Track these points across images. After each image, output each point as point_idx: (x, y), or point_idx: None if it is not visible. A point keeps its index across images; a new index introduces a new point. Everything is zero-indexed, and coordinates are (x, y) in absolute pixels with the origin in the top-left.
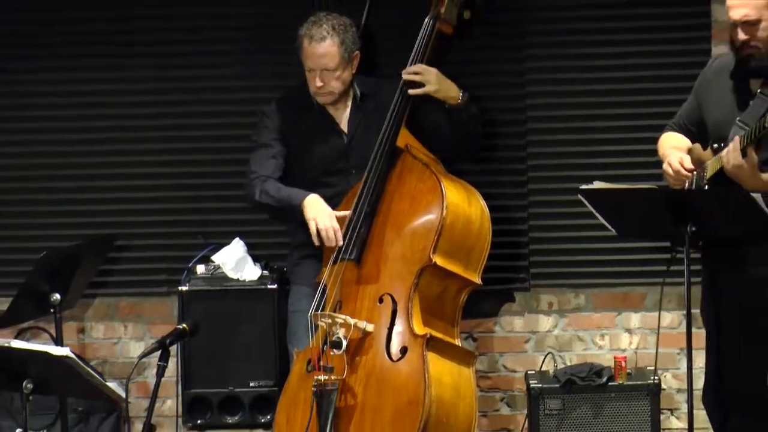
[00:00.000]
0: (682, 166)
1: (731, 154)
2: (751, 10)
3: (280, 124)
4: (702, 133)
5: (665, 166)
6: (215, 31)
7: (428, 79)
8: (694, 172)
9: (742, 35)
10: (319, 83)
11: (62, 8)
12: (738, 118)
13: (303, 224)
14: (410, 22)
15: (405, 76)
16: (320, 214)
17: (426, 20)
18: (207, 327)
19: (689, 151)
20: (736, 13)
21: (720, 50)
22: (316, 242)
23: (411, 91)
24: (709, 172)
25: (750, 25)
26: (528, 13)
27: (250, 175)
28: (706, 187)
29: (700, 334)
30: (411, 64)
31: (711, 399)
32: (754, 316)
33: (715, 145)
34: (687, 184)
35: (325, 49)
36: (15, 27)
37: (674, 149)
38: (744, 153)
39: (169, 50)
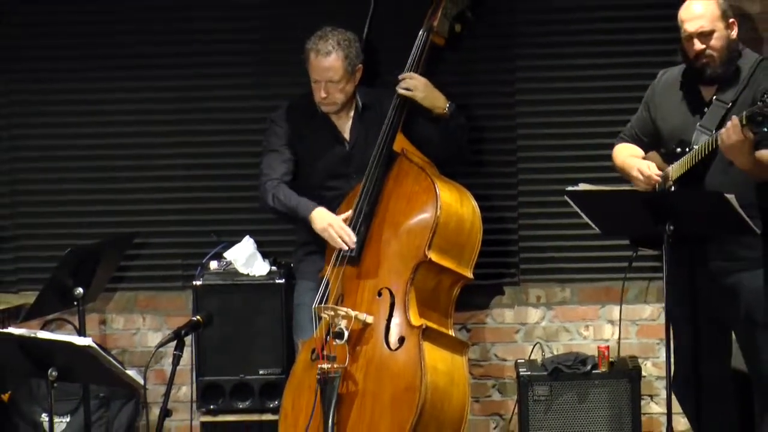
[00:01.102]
0: (652, 171)
1: (731, 131)
2: (705, 22)
3: (287, 130)
4: (654, 143)
5: (635, 173)
6: (230, 44)
7: (416, 85)
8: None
9: (698, 45)
10: (323, 94)
11: (92, 20)
12: (699, 123)
13: (308, 226)
14: (408, 36)
15: (399, 86)
16: (332, 223)
17: (420, 33)
18: (219, 319)
19: (647, 160)
20: (692, 26)
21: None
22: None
23: (400, 91)
24: (675, 173)
25: (704, 36)
26: (517, 26)
27: (262, 178)
28: (672, 188)
29: None
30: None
31: (680, 385)
32: (715, 307)
33: (678, 149)
34: (656, 187)
35: (330, 63)
36: (47, 35)
37: (635, 158)
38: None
39: (188, 61)
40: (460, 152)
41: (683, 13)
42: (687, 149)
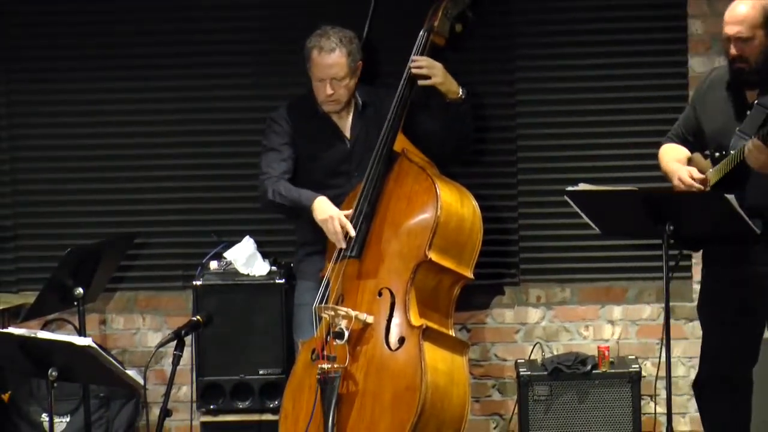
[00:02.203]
0: (693, 179)
1: (755, 152)
2: (744, 29)
3: (288, 129)
4: (700, 142)
5: (676, 181)
6: (229, 44)
7: (434, 72)
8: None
9: (733, 50)
10: (329, 91)
11: (92, 21)
12: (738, 128)
13: (309, 224)
14: (408, 36)
15: (413, 69)
16: (333, 215)
17: (421, 33)
18: (219, 319)
19: (689, 161)
20: (731, 29)
21: (695, 62)
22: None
23: (421, 82)
24: (713, 178)
25: (742, 41)
26: (517, 26)
27: (262, 176)
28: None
29: (677, 326)
30: (406, 75)
31: (703, 387)
32: (748, 311)
33: (717, 154)
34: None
35: (334, 60)
36: (47, 35)
37: (677, 163)
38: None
39: (188, 62)
40: (466, 141)
41: (727, 13)
42: (724, 153)
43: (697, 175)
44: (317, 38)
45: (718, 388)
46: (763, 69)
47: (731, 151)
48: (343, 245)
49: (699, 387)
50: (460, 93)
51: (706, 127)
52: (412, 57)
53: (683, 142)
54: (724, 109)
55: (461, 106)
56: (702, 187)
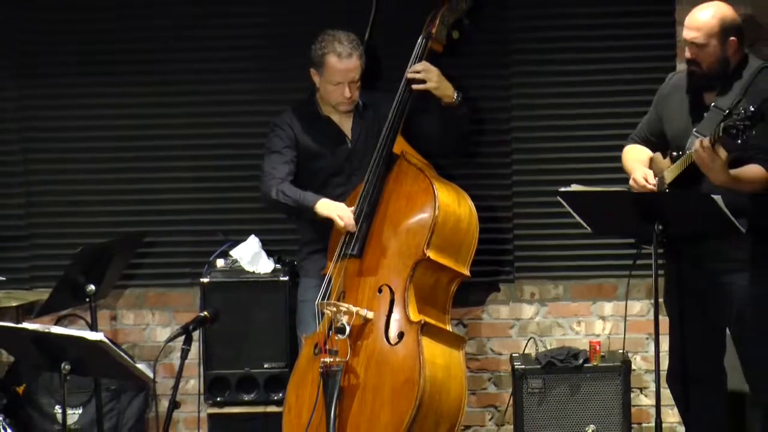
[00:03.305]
0: (646, 181)
1: (701, 151)
2: (700, 35)
3: (291, 132)
4: (662, 143)
5: (631, 181)
6: (234, 51)
7: (430, 77)
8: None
9: (688, 53)
10: (348, 93)
11: (104, 29)
12: (695, 129)
13: (311, 223)
14: (407, 42)
15: (409, 74)
16: (336, 209)
17: (419, 39)
18: (226, 314)
19: (651, 161)
20: (687, 34)
21: (683, 67)
22: (342, 229)
23: (414, 87)
24: (669, 178)
25: (697, 46)
26: (512, 33)
27: (264, 177)
28: (667, 190)
29: (666, 321)
30: (404, 80)
31: (674, 380)
32: (710, 307)
33: (674, 154)
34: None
35: (353, 64)
36: (60, 43)
37: (638, 163)
38: (714, 150)
39: (195, 69)
40: (461, 142)
41: (688, 17)
42: (681, 153)
43: (651, 179)
44: (330, 44)
45: (688, 379)
46: (714, 75)
47: (687, 151)
48: (354, 228)
49: (675, 380)
50: (455, 97)
51: (667, 128)
52: (411, 63)
53: (646, 142)
54: (684, 111)
55: (457, 110)
56: (653, 187)
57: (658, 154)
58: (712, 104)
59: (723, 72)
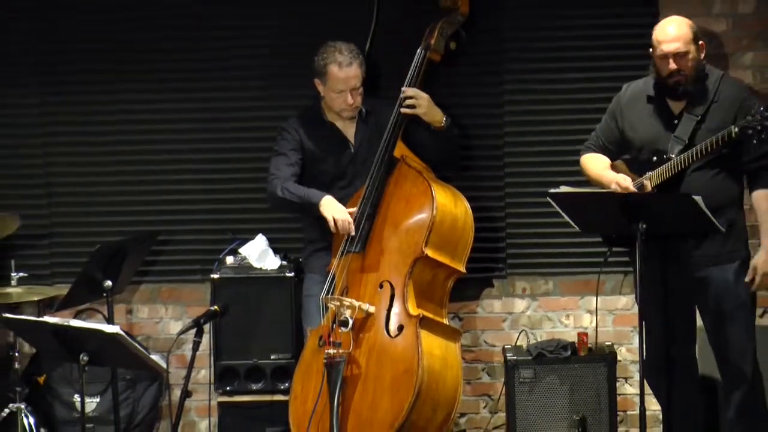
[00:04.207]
0: (630, 187)
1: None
2: (681, 44)
3: (296, 136)
4: (620, 151)
5: (614, 186)
6: (243, 59)
7: (420, 103)
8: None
9: (673, 65)
10: (350, 100)
11: (121, 38)
12: (674, 134)
13: (316, 222)
14: (406, 52)
15: (402, 96)
16: (336, 211)
17: (419, 50)
18: (235, 309)
19: (614, 168)
20: (669, 47)
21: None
22: (334, 230)
23: (403, 110)
24: (655, 180)
25: (680, 56)
26: (505, 43)
27: (270, 177)
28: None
29: None
30: (407, 86)
31: (650, 372)
32: (686, 299)
33: (655, 158)
34: None
35: (354, 72)
36: (79, 50)
37: (610, 171)
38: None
39: (206, 77)
40: (452, 157)
41: (659, 34)
42: (664, 157)
43: (630, 183)
44: (332, 55)
45: (663, 368)
46: (695, 79)
47: (671, 155)
48: (353, 232)
49: (646, 368)
50: (444, 122)
51: (633, 136)
52: (411, 71)
53: (603, 150)
54: (652, 118)
55: (446, 132)
56: (633, 188)
57: (620, 162)
58: (684, 111)
59: (701, 76)
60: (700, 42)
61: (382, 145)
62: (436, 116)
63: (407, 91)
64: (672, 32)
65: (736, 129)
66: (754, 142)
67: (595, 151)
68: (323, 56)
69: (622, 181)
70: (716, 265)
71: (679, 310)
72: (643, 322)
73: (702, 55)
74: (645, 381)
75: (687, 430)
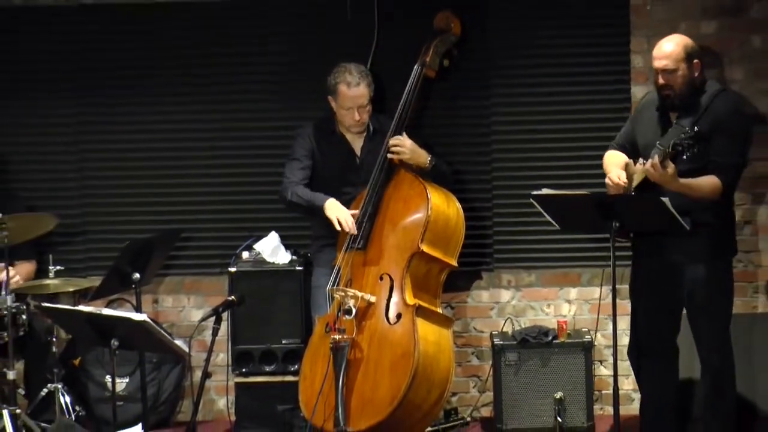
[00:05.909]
0: (619, 179)
1: (651, 169)
2: (670, 62)
3: (309, 144)
4: (635, 152)
5: (607, 179)
6: (259, 74)
7: (403, 150)
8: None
9: (661, 80)
10: (357, 117)
11: (148, 56)
12: (658, 142)
13: (323, 221)
14: (404, 69)
15: (387, 145)
16: (339, 212)
17: (415, 67)
18: (250, 299)
19: (626, 165)
20: (658, 63)
21: (637, 90)
22: (338, 228)
23: (389, 156)
24: (635, 182)
25: (668, 73)
26: (493, 60)
27: (284, 180)
28: (633, 193)
29: (622, 304)
30: (405, 98)
31: (633, 352)
32: (670, 292)
33: (642, 161)
34: (623, 191)
35: (361, 91)
36: (111, 68)
37: (614, 166)
38: (663, 165)
39: (226, 89)
40: (443, 185)
41: (655, 50)
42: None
43: (624, 179)
44: (342, 75)
45: (649, 353)
46: (685, 94)
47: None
48: (355, 231)
49: (634, 354)
50: (428, 163)
51: (639, 140)
52: (408, 86)
53: (622, 149)
54: (653, 126)
55: (433, 171)
56: (625, 185)
57: (631, 162)
58: (675, 121)
59: (692, 92)
60: (695, 60)
61: (382, 153)
62: (420, 159)
63: (392, 140)
64: (664, 50)
65: (669, 145)
66: (684, 158)
67: (616, 149)
68: (335, 76)
69: (614, 177)
70: (699, 262)
71: (664, 302)
72: (633, 311)
73: (696, 73)
74: (629, 362)
75: (661, 411)
